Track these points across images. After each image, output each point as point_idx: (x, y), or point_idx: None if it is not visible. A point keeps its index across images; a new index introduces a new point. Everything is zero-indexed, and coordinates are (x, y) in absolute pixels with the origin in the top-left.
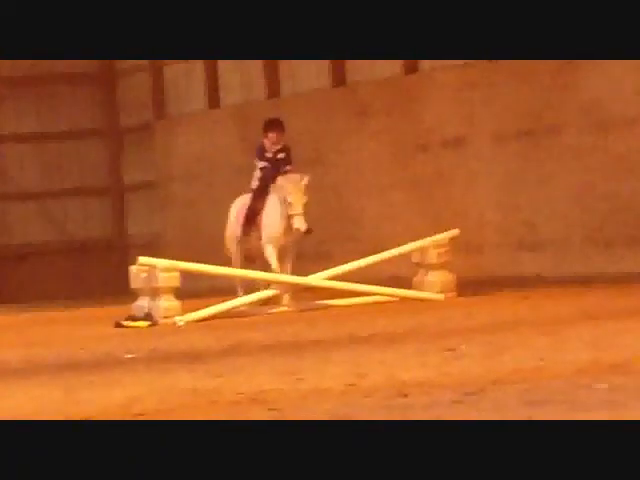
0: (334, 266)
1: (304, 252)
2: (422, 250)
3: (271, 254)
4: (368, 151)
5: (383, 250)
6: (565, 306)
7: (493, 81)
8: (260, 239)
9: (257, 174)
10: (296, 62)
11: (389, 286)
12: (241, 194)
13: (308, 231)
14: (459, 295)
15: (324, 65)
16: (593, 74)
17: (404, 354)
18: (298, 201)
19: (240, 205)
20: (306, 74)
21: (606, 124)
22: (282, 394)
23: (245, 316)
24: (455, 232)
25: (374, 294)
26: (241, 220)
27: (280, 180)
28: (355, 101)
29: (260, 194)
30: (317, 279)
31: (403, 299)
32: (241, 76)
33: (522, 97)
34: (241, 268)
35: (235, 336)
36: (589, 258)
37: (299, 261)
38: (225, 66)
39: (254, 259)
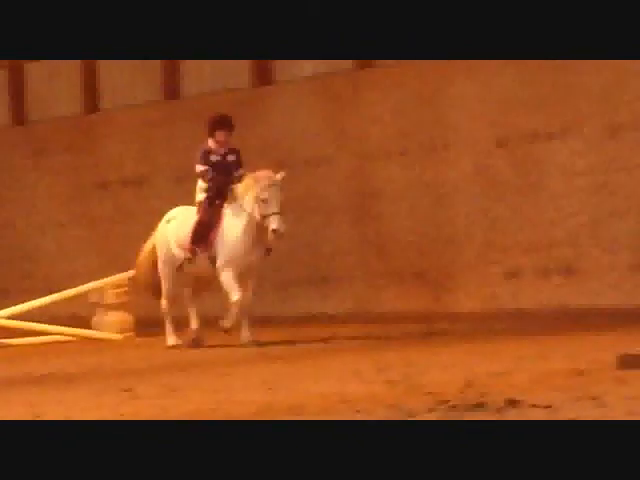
0: (10, 304)
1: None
2: (100, 290)
3: (230, 281)
4: (45, 188)
5: (60, 289)
6: (241, 347)
7: (174, 120)
8: (210, 262)
9: (201, 183)
10: None
11: (69, 325)
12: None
13: (279, 236)
14: (137, 335)
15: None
16: (273, 115)
17: (81, 394)
18: (275, 198)
19: (181, 219)
20: None
21: (285, 164)
22: None
23: None
24: (134, 272)
25: (53, 334)
26: (186, 238)
27: (248, 179)
28: (33, 139)
29: (211, 205)
30: None
31: (82, 339)
32: None
33: (202, 137)
34: (187, 298)
35: None
36: (266, 299)
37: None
38: None
39: (200, 288)
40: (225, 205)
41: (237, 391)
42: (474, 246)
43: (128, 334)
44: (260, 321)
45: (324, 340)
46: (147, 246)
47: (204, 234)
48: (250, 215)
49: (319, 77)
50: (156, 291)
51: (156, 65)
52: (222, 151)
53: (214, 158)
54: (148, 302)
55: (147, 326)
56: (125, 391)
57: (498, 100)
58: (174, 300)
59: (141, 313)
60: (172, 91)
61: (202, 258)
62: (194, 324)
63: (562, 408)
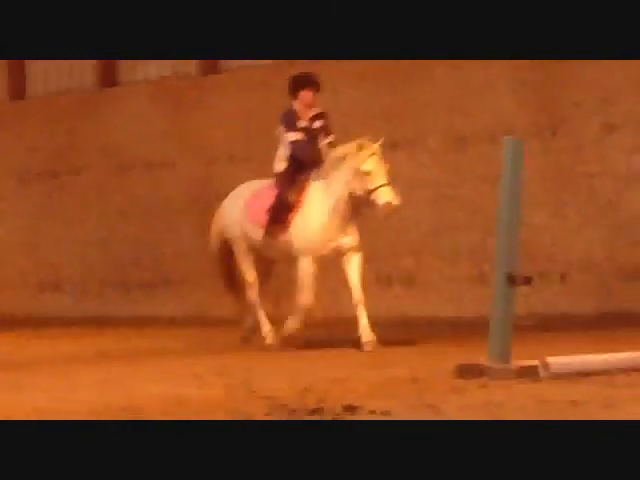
0: None
1: None
2: None
3: (308, 277)
4: None
5: None
6: (81, 346)
7: (18, 120)
8: (288, 245)
9: (283, 152)
10: None
11: None
12: None
13: (393, 210)
14: None
15: None
16: (117, 117)
17: None
18: (380, 169)
19: (250, 194)
20: None
21: (126, 166)
22: None
23: None
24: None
25: None
26: (260, 215)
27: (343, 148)
28: None
29: (292, 180)
30: None
31: None
32: None
33: (47, 138)
34: (253, 282)
35: None
36: (107, 300)
37: None
38: None
39: (269, 272)
40: (309, 180)
41: (74, 390)
42: None
43: None
44: (101, 322)
45: (165, 343)
46: (212, 232)
47: (284, 212)
48: (341, 192)
49: (164, 80)
50: (228, 282)
51: (2, 65)
52: (310, 114)
53: (301, 124)
54: None
55: None
56: None
57: (345, 111)
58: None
59: None
60: (18, 91)
61: (280, 241)
62: (264, 324)
63: (399, 415)
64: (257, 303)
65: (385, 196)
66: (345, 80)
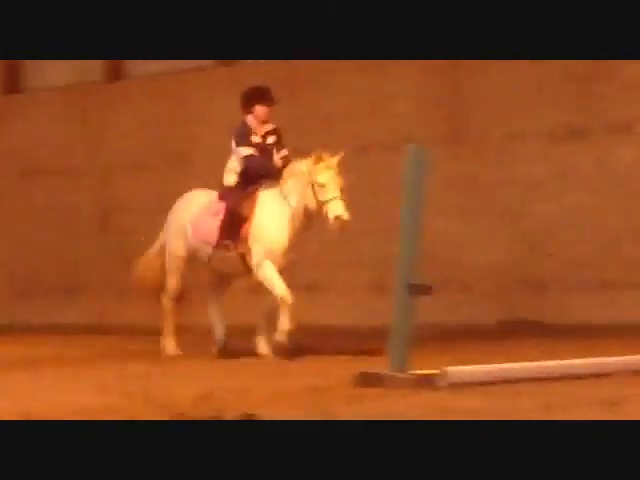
0: None
1: None
2: None
3: (271, 275)
4: None
5: None
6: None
7: None
8: (241, 259)
9: (233, 165)
10: None
11: None
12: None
13: (344, 225)
14: None
15: None
16: (22, 123)
17: None
18: (334, 181)
19: (198, 206)
20: None
21: (29, 173)
22: None
23: None
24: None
25: None
26: (210, 232)
27: (297, 163)
28: None
29: (242, 193)
30: None
31: None
32: None
33: None
34: (211, 300)
35: None
36: (10, 307)
37: None
38: None
39: (223, 285)
40: (259, 191)
41: None
42: None
43: None
44: (1, 329)
45: (65, 350)
46: (160, 240)
47: (237, 225)
48: (297, 204)
49: (68, 87)
50: (162, 291)
51: None
52: (264, 129)
53: (254, 139)
54: None
55: None
56: None
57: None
58: (178, 300)
59: None
60: None
61: (236, 254)
62: (219, 331)
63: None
64: (170, 311)
65: (336, 209)
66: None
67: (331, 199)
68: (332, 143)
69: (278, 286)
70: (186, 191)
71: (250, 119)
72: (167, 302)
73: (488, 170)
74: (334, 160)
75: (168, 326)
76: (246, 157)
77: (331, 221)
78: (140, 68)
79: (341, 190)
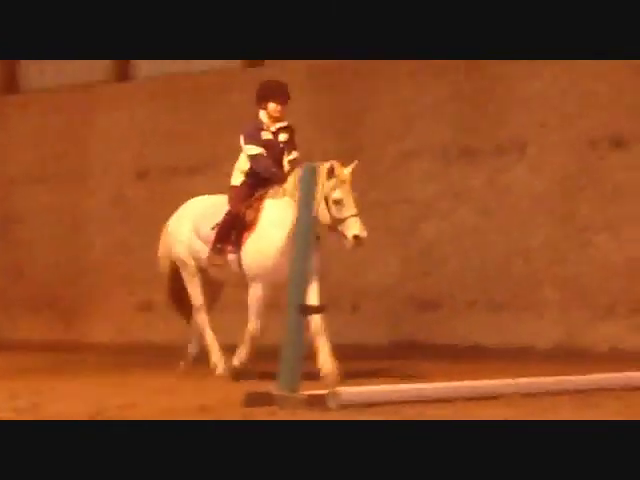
0: None
1: None
2: None
3: (255, 302)
4: None
5: None
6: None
7: None
8: (236, 267)
9: (241, 165)
10: None
11: None
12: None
13: (360, 243)
14: None
15: None
16: None
17: None
18: (350, 197)
19: (202, 208)
20: None
21: None
22: None
23: None
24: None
25: None
26: (211, 232)
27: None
28: None
29: (248, 196)
30: None
31: None
32: None
33: None
34: (200, 306)
35: None
36: None
37: None
38: None
39: (214, 297)
40: (268, 196)
41: None
42: (110, 276)
43: None
44: None
45: None
46: (160, 251)
47: (236, 230)
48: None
49: None
50: (180, 306)
51: None
52: (276, 127)
53: (265, 136)
54: None
55: None
56: None
57: (141, 133)
58: (208, 310)
59: None
60: None
61: (229, 261)
62: (194, 347)
63: None
64: (206, 328)
65: (354, 228)
66: (140, 100)
67: (348, 217)
68: (228, 160)
69: (254, 316)
70: (85, 205)
71: (263, 115)
72: (198, 316)
73: (381, 189)
74: (347, 173)
75: (212, 343)
76: (252, 156)
77: (349, 239)
78: (36, 81)
79: (356, 205)
